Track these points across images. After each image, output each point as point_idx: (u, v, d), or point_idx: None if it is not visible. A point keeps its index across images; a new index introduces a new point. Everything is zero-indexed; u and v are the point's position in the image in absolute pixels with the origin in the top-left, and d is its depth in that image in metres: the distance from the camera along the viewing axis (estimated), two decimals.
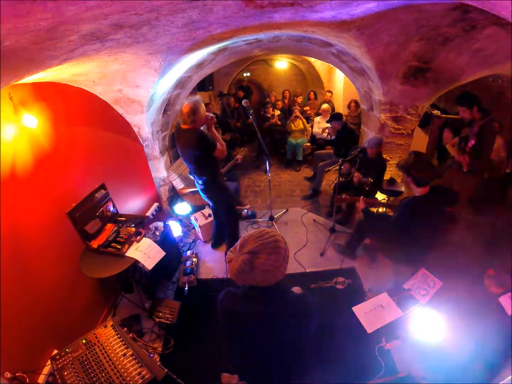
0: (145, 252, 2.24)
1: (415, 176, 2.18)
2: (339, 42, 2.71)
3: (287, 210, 4.11)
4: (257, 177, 5.39)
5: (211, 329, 2.40)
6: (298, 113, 5.57)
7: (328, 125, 4.67)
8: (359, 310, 2.16)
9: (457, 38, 2.37)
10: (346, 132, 4.27)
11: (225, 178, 3.90)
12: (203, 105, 2.52)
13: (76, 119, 2.38)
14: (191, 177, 3.04)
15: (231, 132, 5.96)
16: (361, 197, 2.73)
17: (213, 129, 2.65)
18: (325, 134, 5.28)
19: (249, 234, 1.14)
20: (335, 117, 4.30)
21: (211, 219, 3.46)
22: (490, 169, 3.80)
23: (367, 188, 3.17)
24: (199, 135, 2.50)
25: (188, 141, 2.56)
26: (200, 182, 2.85)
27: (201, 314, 2.57)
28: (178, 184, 3.81)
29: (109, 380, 1.53)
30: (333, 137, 4.37)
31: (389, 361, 2.10)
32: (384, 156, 3.45)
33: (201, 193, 3.02)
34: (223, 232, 3.38)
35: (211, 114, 2.62)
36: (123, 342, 1.71)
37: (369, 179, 3.12)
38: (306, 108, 6.52)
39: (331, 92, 6.19)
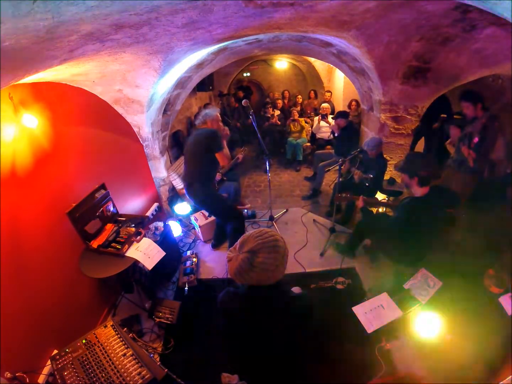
0: (145, 252, 2.24)
1: (422, 175, 2.14)
2: (339, 42, 2.72)
3: (287, 210, 4.11)
4: (257, 177, 5.39)
5: (211, 329, 2.40)
6: (296, 117, 5.60)
7: (332, 122, 4.68)
8: (359, 310, 2.17)
9: (457, 38, 2.38)
10: (351, 130, 4.27)
11: (225, 179, 3.90)
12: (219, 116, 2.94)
13: (76, 119, 2.38)
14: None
15: (231, 132, 5.96)
16: (361, 196, 2.74)
17: (225, 142, 2.92)
18: (324, 133, 5.27)
19: (248, 234, 1.14)
20: (341, 114, 4.31)
21: (211, 219, 3.46)
22: (490, 169, 3.79)
23: (367, 184, 3.17)
24: (213, 130, 2.76)
25: (201, 134, 2.78)
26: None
27: (201, 314, 2.57)
28: (178, 184, 3.81)
29: (109, 380, 1.52)
30: (336, 134, 4.39)
31: (389, 361, 2.10)
32: (384, 156, 3.45)
33: (196, 204, 3.06)
34: (225, 232, 3.38)
35: (226, 128, 3.01)
36: (123, 342, 1.71)
37: (370, 175, 3.12)
38: (306, 107, 6.53)
39: (330, 92, 6.20)
